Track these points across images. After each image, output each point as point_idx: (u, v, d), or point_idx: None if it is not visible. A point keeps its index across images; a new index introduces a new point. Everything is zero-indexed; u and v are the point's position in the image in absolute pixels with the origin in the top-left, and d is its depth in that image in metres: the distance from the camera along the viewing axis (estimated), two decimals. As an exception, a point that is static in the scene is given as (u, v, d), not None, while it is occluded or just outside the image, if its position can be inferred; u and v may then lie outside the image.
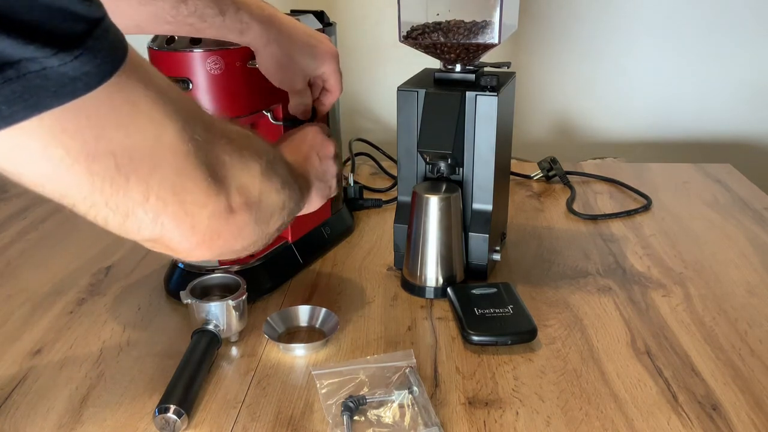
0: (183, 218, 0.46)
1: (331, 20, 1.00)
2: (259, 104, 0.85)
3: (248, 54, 0.81)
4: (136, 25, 0.66)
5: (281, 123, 0.88)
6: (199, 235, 0.48)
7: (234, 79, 0.80)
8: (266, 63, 0.76)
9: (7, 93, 0.35)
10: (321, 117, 0.88)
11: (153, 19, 0.65)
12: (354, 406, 0.68)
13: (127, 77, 0.40)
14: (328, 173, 0.76)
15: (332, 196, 0.78)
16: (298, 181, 0.64)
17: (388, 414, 0.68)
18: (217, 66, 0.78)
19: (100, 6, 0.38)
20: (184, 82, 0.79)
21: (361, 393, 0.70)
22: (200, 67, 0.78)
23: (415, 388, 0.71)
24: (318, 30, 0.95)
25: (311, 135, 0.77)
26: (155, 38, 0.81)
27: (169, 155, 0.44)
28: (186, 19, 0.67)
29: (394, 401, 0.69)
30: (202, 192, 0.47)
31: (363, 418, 0.68)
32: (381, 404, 0.69)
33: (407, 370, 0.73)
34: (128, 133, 0.41)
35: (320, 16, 0.97)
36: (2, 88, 0.34)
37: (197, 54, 0.78)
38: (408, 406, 0.69)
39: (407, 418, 0.67)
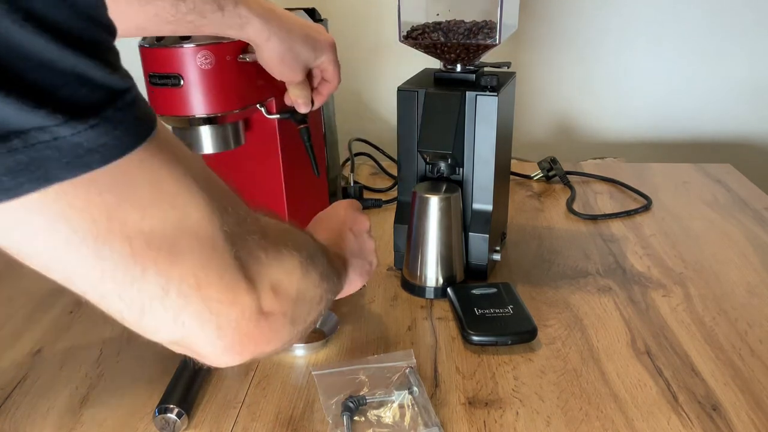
0: (208, 318, 0.41)
1: (331, 20, 1.00)
2: (252, 98, 0.85)
3: (239, 48, 0.81)
4: (138, 27, 0.66)
5: (275, 116, 0.88)
6: (226, 338, 0.42)
7: (225, 74, 0.80)
8: (267, 57, 0.76)
9: (11, 164, 0.31)
10: (323, 172, 0.89)
11: (154, 19, 0.65)
12: (354, 406, 0.68)
13: (152, 153, 0.36)
14: (365, 249, 0.73)
15: (372, 272, 0.75)
16: (336, 266, 0.60)
17: (388, 414, 0.68)
18: (207, 61, 0.78)
19: (127, 77, 0.35)
20: (176, 77, 0.79)
21: (361, 393, 0.70)
22: (191, 63, 0.78)
23: (415, 389, 0.71)
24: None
25: (343, 211, 0.75)
26: (145, 36, 0.81)
27: (195, 245, 0.39)
28: (185, 16, 0.67)
29: (394, 401, 0.69)
30: (230, 289, 0.41)
31: (363, 419, 0.68)
32: (381, 404, 0.69)
33: (407, 370, 0.73)
34: (146, 215, 0.36)
35: (311, 12, 0.97)
36: (5, 158, 0.31)
37: (188, 49, 0.78)
38: (408, 406, 0.69)
39: (407, 418, 0.67)
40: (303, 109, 0.84)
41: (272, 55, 0.76)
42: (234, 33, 0.72)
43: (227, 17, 0.69)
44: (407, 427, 0.66)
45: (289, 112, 0.87)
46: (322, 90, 0.85)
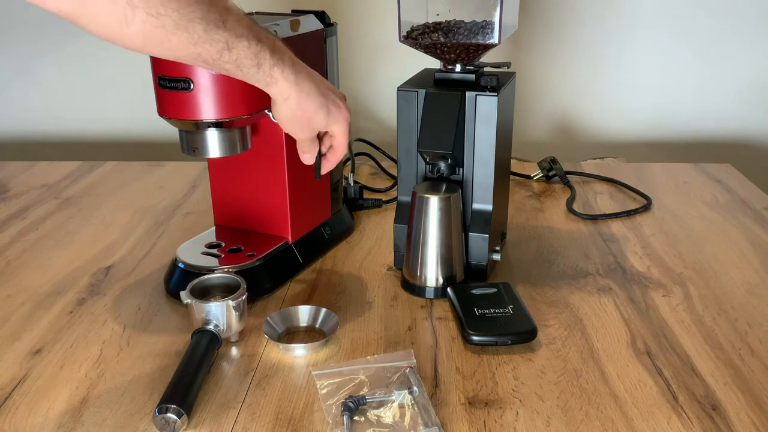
0: None
1: (332, 20, 1.00)
2: (260, 104, 0.85)
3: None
4: (176, 57, 0.68)
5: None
6: None
7: (235, 79, 0.80)
8: (282, 114, 0.78)
9: None
10: (326, 175, 0.89)
11: (194, 58, 0.68)
12: (354, 406, 0.68)
13: None
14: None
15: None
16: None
17: (388, 414, 0.68)
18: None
19: None
20: (186, 81, 0.79)
21: (361, 393, 0.70)
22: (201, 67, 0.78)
23: (415, 388, 0.71)
24: (318, 30, 0.95)
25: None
26: None
27: None
28: (224, 64, 0.69)
29: (394, 401, 0.69)
30: None
31: (363, 418, 0.68)
32: (381, 404, 0.69)
33: (407, 370, 0.73)
34: None
35: (321, 16, 0.97)
36: None
37: None
38: (408, 406, 0.69)
39: (407, 418, 0.67)
40: (307, 161, 0.84)
41: (286, 113, 0.77)
42: (259, 86, 0.75)
43: (260, 75, 0.72)
44: (407, 426, 0.66)
45: None
46: (329, 157, 0.85)
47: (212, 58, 0.68)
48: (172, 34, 0.64)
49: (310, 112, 0.78)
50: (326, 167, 0.86)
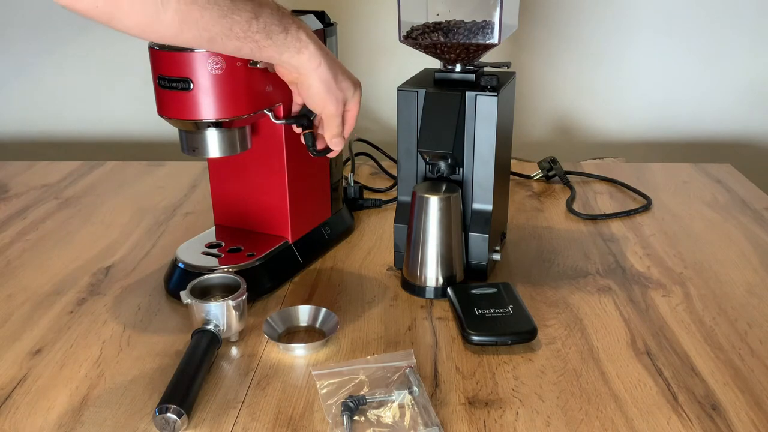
0: None
1: (332, 20, 1.00)
2: (261, 104, 0.85)
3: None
4: (210, 38, 0.67)
5: (282, 122, 0.88)
6: None
7: (235, 79, 0.80)
8: (315, 86, 0.77)
9: None
10: (325, 176, 0.90)
11: (227, 33, 0.67)
12: (354, 406, 0.68)
13: None
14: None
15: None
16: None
17: (388, 414, 0.68)
18: (218, 66, 0.78)
19: None
20: (186, 81, 0.79)
21: (361, 393, 0.70)
22: (201, 67, 0.78)
23: (415, 388, 0.71)
24: (317, 30, 0.95)
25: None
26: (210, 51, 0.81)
27: None
28: (254, 35, 0.69)
29: (394, 401, 0.69)
30: None
31: (363, 418, 0.68)
32: (381, 404, 0.69)
33: (407, 370, 0.73)
34: None
35: (321, 16, 0.97)
36: None
37: (198, 54, 0.78)
38: (408, 406, 0.69)
39: (407, 418, 0.67)
40: (338, 149, 0.84)
41: (319, 82, 0.76)
42: (289, 56, 0.74)
43: (289, 39, 0.72)
44: (407, 426, 0.66)
45: (295, 118, 0.87)
46: (345, 130, 0.84)
47: (242, 30, 0.67)
48: (204, 9, 0.64)
49: (341, 78, 0.77)
50: (340, 143, 0.84)
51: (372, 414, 0.68)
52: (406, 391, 0.70)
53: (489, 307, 0.84)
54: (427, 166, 0.94)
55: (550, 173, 1.30)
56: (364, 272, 0.98)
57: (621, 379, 0.74)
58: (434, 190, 0.89)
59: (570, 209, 1.18)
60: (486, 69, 0.95)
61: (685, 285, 0.93)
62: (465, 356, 0.79)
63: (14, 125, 1.62)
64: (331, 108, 0.79)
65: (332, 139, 0.82)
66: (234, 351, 0.80)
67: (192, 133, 0.84)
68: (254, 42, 0.70)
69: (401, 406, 0.69)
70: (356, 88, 0.81)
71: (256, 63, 0.81)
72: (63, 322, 0.86)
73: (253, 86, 0.83)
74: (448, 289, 0.89)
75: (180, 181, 1.32)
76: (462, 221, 0.91)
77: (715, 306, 0.88)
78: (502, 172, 0.98)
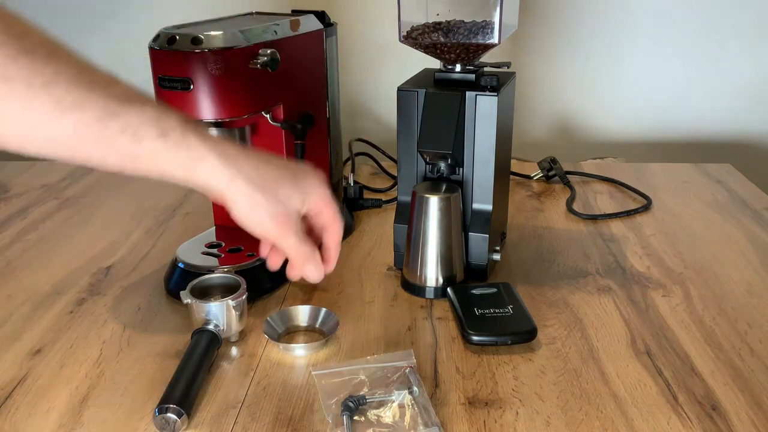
0: None
1: (332, 20, 1.00)
2: (259, 105, 0.85)
3: (249, 54, 0.81)
4: (51, 138, 0.52)
5: (279, 124, 0.88)
6: None
7: (235, 80, 0.80)
8: (239, 206, 0.59)
9: None
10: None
11: (73, 134, 0.52)
12: (354, 406, 0.68)
13: None
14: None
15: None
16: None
17: (388, 414, 0.68)
18: (218, 66, 0.78)
19: None
20: (185, 81, 0.79)
21: (361, 393, 0.70)
22: (201, 68, 0.78)
23: (415, 388, 0.71)
24: (318, 30, 0.95)
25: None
26: (156, 37, 0.81)
27: None
28: (117, 138, 0.53)
29: (394, 401, 0.69)
30: None
31: (363, 418, 0.68)
32: (381, 404, 0.69)
33: (407, 370, 0.73)
34: None
35: (321, 16, 0.97)
36: None
37: (199, 54, 0.78)
38: (408, 406, 0.69)
39: (407, 418, 0.67)
40: (315, 280, 0.66)
41: (244, 201, 0.59)
42: (181, 173, 0.56)
43: (171, 147, 0.54)
44: (407, 426, 0.66)
45: (291, 125, 0.87)
46: (327, 242, 0.67)
47: (96, 131, 0.52)
48: (30, 99, 0.50)
49: (273, 185, 0.59)
50: (331, 260, 0.67)
51: (372, 414, 0.68)
52: (406, 391, 0.70)
53: (489, 307, 0.84)
54: (427, 166, 0.94)
55: (550, 173, 1.30)
56: (364, 272, 0.98)
57: (621, 379, 0.74)
58: (434, 190, 0.89)
59: (570, 209, 1.18)
60: (486, 69, 0.95)
61: (685, 285, 0.93)
62: (465, 356, 0.79)
63: (14, 125, 1.62)
64: (274, 229, 0.62)
65: (305, 267, 0.64)
66: (234, 351, 0.80)
67: (192, 133, 0.84)
68: (121, 148, 0.53)
69: (401, 406, 0.69)
70: (312, 186, 0.62)
71: (257, 63, 0.80)
72: (63, 322, 0.86)
73: (253, 87, 0.83)
74: (448, 289, 0.89)
75: (180, 181, 1.32)
76: (462, 221, 0.91)
77: (715, 306, 0.88)
78: (502, 172, 0.98)
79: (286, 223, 0.61)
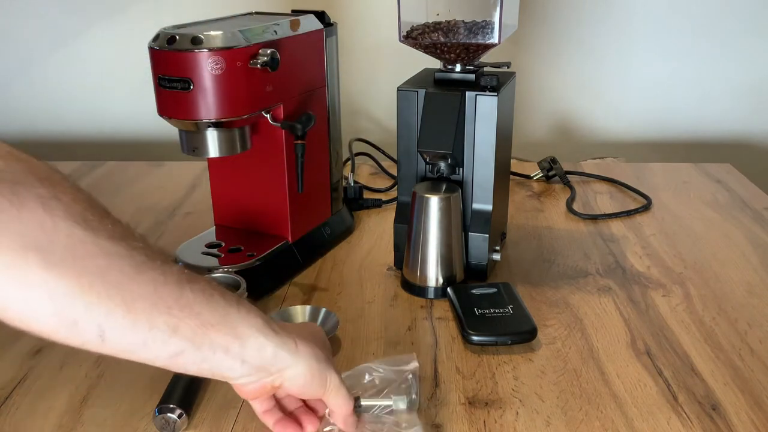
0: None
1: (332, 20, 1.00)
2: (259, 105, 0.85)
3: (249, 54, 0.81)
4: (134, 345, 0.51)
5: (279, 124, 0.88)
6: None
7: (235, 80, 0.80)
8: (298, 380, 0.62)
9: None
10: (325, 175, 0.71)
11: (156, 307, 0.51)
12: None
13: None
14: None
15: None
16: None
17: (383, 418, 0.67)
18: (218, 66, 0.78)
19: None
20: (186, 81, 0.79)
21: (359, 395, 0.69)
22: (202, 67, 0.78)
23: (414, 396, 0.69)
24: (318, 30, 0.95)
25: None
26: (156, 37, 0.81)
27: None
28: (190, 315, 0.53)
29: (390, 406, 0.68)
30: None
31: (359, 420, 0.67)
32: (378, 407, 0.68)
33: (409, 376, 0.72)
34: None
35: (321, 16, 0.97)
36: None
37: (199, 54, 0.78)
38: (403, 411, 0.68)
39: (403, 424, 0.67)
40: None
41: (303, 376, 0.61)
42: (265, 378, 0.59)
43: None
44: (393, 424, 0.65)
45: (291, 125, 0.87)
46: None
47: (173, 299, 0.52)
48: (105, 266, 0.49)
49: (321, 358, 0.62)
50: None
51: (368, 418, 0.68)
52: (404, 397, 0.69)
53: (489, 307, 0.84)
54: (427, 166, 0.94)
55: (550, 173, 1.30)
56: (364, 272, 0.98)
57: (621, 379, 0.74)
58: (434, 190, 0.89)
59: (570, 209, 1.18)
60: (486, 69, 0.95)
61: (685, 285, 0.93)
62: (465, 356, 0.79)
63: (14, 125, 1.62)
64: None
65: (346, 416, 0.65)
66: (234, 351, 0.80)
67: (192, 133, 0.84)
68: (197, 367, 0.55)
69: (397, 412, 0.68)
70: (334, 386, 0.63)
71: (257, 62, 0.80)
72: (63, 322, 0.86)
73: (253, 87, 0.83)
74: (448, 289, 0.89)
75: (180, 181, 1.32)
76: (462, 221, 0.91)
77: (715, 306, 0.88)
78: (502, 172, 0.98)
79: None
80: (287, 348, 0.59)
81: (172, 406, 0.66)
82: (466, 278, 0.94)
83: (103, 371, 0.76)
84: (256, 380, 0.59)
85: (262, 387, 0.60)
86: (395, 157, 1.03)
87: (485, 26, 0.89)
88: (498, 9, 0.88)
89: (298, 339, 0.60)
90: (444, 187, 0.90)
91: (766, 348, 0.80)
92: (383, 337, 0.82)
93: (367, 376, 0.72)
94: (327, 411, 0.66)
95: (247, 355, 0.56)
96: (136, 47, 1.09)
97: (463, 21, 0.90)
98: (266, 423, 0.66)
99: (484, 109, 0.88)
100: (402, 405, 0.68)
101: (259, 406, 0.65)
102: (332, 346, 0.80)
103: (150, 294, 0.50)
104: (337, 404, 0.64)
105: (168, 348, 0.52)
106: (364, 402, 0.68)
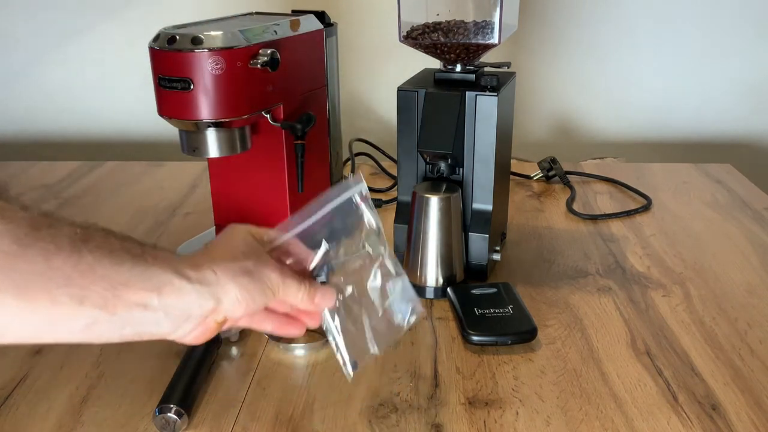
0: None
1: (332, 20, 1.00)
2: (259, 105, 0.85)
3: (249, 54, 0.81)
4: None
5: (279, 124, 0.88)
6: None
7: (235, 80, 0.80)
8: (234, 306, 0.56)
9: None
10: (325, 174, 0.66)
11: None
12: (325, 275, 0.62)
13: None
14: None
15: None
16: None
17: (357, 270, 0.62)
18: (218, 66, 0.78)
19: None
20: (186, 81, 0.79)
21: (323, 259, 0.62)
22: (202, 67, 0.78)
23: (381, 247, 0.63)
24: (318, 30, 0.95)
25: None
26: (156, 37, 0.81)
27: None
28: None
29: (358, 258, 0.63)
30: None
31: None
32: (347, 263, 0.63)
33: (357, 203, 0.64)
34: None
35: (321, 16, 0.97)
36: None
37: (199, 54, 0.78)
38: (373, 260, 0.63)
39: (374, 271, 0.62)
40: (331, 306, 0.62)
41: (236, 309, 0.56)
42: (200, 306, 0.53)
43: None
44: (375, 278, 0.62)
45: (291, 125, 0.87)
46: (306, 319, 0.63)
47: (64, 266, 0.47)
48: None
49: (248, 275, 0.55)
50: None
51: (339, 271, 0.62)
52: (368, 247, 0.63)
53: (489, 307, 0.84)
54: (427, 166, 0.94)
55: (550, 173, 1.30)
56: (364, 272, 0.98)
57: (621, 379, 0.74)
58: (434, 190, 0.89)
59: (570, 209, 1.18)
60: (486, 69, 0.95)
61: (685, 285, 0.93)
62: (465, 356, 0.79)
63: (14, 125, 1.62)
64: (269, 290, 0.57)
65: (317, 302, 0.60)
66: (234, 351, 0.80)
67: (192, 133, 0.84)
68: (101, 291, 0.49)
69: (367, 259, 0.63)
70: (285, 284, 0.57)
71: (257, 62, 0.80)
72: (63, 322, 0.86)
73: (253, 87, 0.83)
74: (448, 289, 0.89)
75: (180, 181, 1.32)
76: (462, 221, 0.91)
77: (715, 306, 0.88)
78: (502, 172, 0.98)
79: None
80: (207, 282, 0.52)
81: (172, 406, 0.66)
82: (466, 278, 0.94)
83: (103, 371, 0.76)
84: (192, 327, 0.54)
85: (205, 329, 0.54)
86: (395, 157, 1.03)
87: (485, 26, 0.89)
88: (498, 9, 0.88)
89: (213, 265, 0.53)
90: (444, 187, 0.90)
91: (766, 348, 0.80)
92: (383, 337, 0.82)
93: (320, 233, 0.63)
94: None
95: (169, 305, 0.51)
96: (136, 47, 1.09)
97: (463, 21, 0.90)
98: (264, 330, 0.60)
99: (484, 109, 0.88)
100: (381, 249, 0.62)
101: (248, 323, 0.58)
102: (332, 346, 0.80)
103: (43, 269, 0.45)
104: (300, 300, 0.57)
105: (78, 322, 0.48)
106: (333, 262, 0.61)
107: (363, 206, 0.65)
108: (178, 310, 0.53)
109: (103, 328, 0.50)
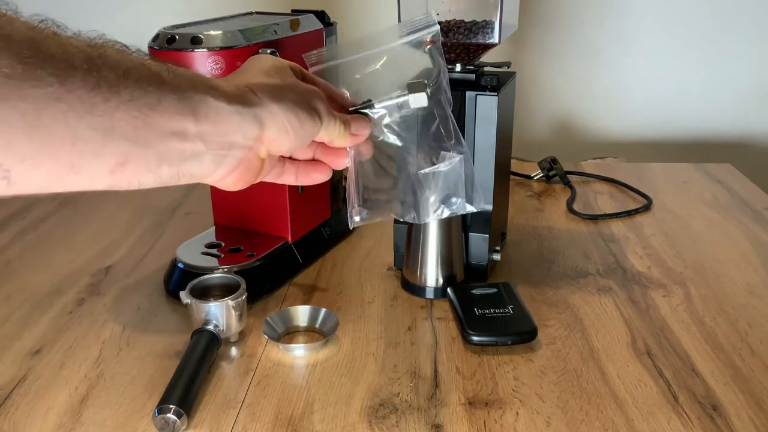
0: None
1: (332, 20, 1.00)
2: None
3: (249, 54, 0.81)
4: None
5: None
6: None
7: (234, 79, 0.80)
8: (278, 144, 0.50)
9: None
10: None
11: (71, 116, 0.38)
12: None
13: None
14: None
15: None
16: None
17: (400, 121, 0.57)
18: (218, 66, 0.78)
19: None
20: None
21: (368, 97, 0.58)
22: (202, 67, 0.78)
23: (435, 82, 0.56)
24: (318, 30, 0.95)
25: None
26: (156, 37, 0.81)
27: None
28: (115, 111, 0.39)
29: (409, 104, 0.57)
30: None
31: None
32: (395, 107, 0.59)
33: (428, 48, 0.57)
34: None
35: (321, 16, 0.97)
36: None
37: (199, 54, 0.78)
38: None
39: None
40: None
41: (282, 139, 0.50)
42: (242, 135, 0.46)
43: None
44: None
45: None
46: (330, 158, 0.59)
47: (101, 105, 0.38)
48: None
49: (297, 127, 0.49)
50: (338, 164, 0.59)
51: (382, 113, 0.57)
52: (423, 94, 0.56)
53: (489, 307, 0.84)
54: (427, 166, 0.93)
55: (551, 173, 1.30)
56: (364, 272, 0.98)
57: (621, 379, 0.74)
58: (434, 190, 0.89)
59: (570, 209, 1.18)
60: (486, 69, 0.95)
61: (685, 285, 0.93)
62: (465, 356, 0.78)
63: (14, 125, 1.62)
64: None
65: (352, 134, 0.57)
66: (234, 351, 0.80)
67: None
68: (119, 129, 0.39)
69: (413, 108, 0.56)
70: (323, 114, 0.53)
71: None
72: (62, 322, 0.86)
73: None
74: (448, 289, 0.89)
75: (180, 181, 1.32)
76: (462, 221, 0.91)
77: (715, 306, 0.88)
78: (502, 172, 0.98)
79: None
80: (249, 102, 0.45)
81: (171, 406, 0.66)
82: (466, 278, 0.94)
83: (103, 371, 0.76)
84: (235, 163, 0.45)
85: (248, 167, 0.46)
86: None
87: (485, 26, 0.89)
88: (498, 9, 0.88)
89: (252, 86, 0.46)
90: (444, 187, 0.90)
91: (767, 348, 0.80)
92: (383, 337, 0.82)
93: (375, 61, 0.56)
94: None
95: (207, 132, 0.43)
96: (135, 47, 1.09)
97: (463, 21, 0.90)
98: (288, 182, 0.54)
99: (484, 109, 0.88)
100: (422, 102, 0.57)
101: (277, 175, 0.53)
102: (332, 346, 0.80)
103: (59, 93, 0.36)
104: (337, 131, 0.50)
105: (106, 161, 0.39)
106: (377, 105, 0.56)
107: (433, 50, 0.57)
108: (219, 136, 0.43)
109: (134, 167, 0.40)
